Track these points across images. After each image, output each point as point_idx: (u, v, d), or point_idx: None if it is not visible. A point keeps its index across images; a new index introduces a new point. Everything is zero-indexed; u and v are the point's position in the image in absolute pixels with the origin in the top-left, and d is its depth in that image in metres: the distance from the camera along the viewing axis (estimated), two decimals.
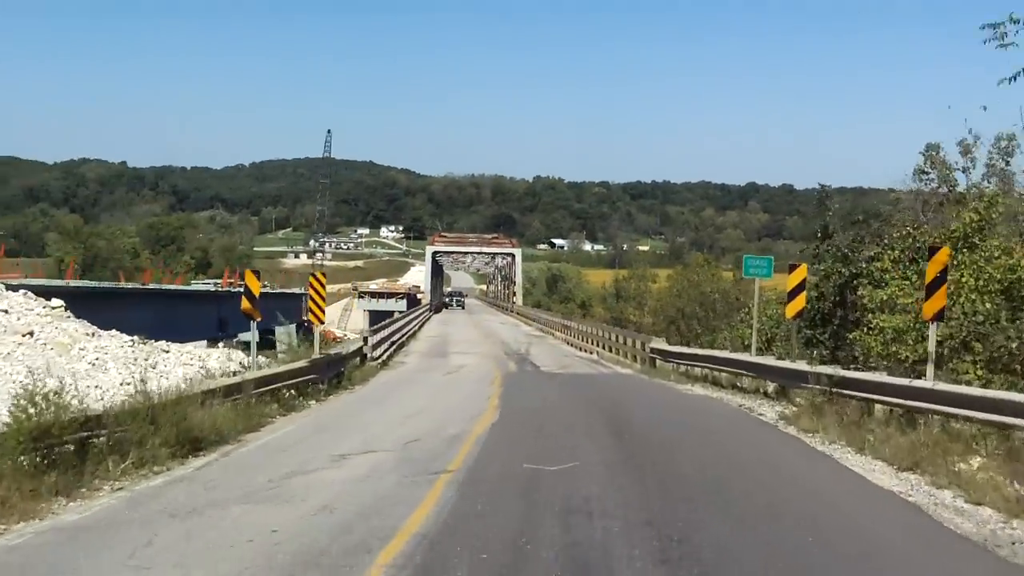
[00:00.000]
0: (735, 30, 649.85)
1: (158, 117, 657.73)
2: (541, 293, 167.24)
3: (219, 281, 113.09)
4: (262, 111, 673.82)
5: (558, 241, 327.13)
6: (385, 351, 38.21)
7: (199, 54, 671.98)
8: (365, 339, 35.59)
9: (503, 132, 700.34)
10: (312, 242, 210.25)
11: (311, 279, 28.45)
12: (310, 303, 29.15)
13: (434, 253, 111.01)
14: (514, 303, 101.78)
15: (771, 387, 23.53)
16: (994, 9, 26.28)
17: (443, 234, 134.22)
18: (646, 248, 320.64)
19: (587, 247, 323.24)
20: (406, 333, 50.97)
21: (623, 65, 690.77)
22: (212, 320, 75.68)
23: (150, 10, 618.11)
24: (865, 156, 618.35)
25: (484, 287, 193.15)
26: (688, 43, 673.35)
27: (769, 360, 24.62)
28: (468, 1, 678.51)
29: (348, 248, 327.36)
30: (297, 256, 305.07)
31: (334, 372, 26.05)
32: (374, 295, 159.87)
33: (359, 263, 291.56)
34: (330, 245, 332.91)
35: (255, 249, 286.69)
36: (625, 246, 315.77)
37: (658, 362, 33.36)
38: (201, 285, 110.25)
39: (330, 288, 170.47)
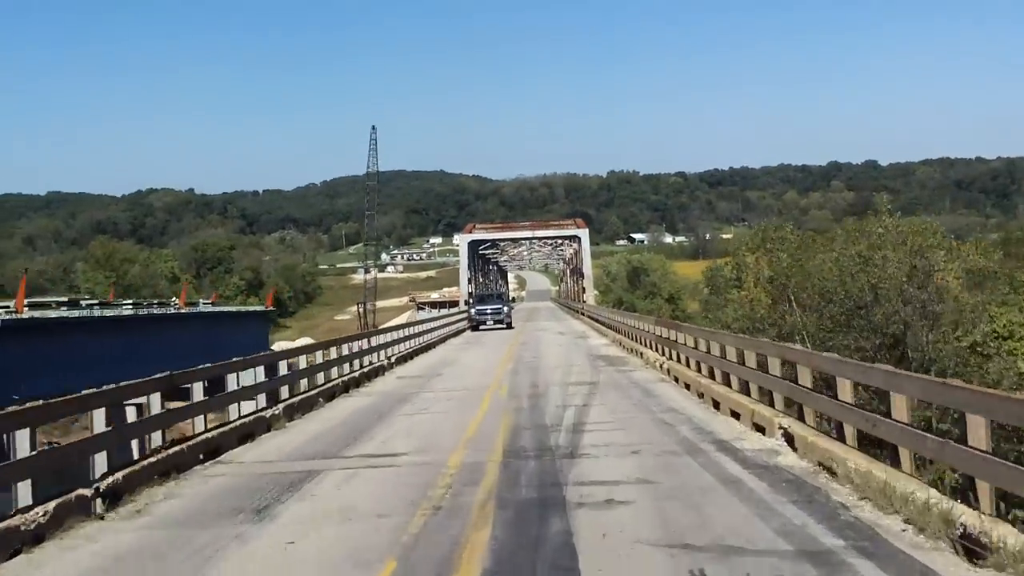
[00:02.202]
0: (803, 5, 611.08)
1: (227, 144, 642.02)
2: (621, 289, 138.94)
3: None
4: (331, 127, 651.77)
5: (637, 235, 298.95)
6: None
7: (263, 76, 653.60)
8: None
9: (574, 129, 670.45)
10: (364, 250, 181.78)
11: None
12: None
13: (472, 244, 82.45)
14: (584, 302, 73.94)
15: None
16: None
17: (482, 224, 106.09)
18: (730, 236, 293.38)
19: (668, 239, 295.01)
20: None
21: (693, 50, 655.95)
22: None
23: (202, 30, 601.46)
24: (952, 126, 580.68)
25: (558, 288, 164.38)
26: (754, 22, 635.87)
27: None
28: None
29: (420, 259, 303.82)
30: (368, 271, 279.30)
31: None
32: (434, 305, 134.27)
33: (431, 273, 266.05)
34: (402, 257, 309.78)
35: (320, 267, 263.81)
36: (708, 235, 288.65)
37: None
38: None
39: (394, 301, 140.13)
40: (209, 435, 15.76)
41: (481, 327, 56.94)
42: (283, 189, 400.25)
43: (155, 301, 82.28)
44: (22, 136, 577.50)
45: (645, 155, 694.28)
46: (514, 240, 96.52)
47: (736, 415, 16.69)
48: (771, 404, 15.59)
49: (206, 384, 16.63)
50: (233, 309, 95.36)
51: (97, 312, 60.84)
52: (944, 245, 35.50)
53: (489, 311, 58.62)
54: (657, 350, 28.54)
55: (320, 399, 22.27)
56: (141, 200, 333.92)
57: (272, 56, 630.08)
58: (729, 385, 18.67)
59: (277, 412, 19.07)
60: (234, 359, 18.54)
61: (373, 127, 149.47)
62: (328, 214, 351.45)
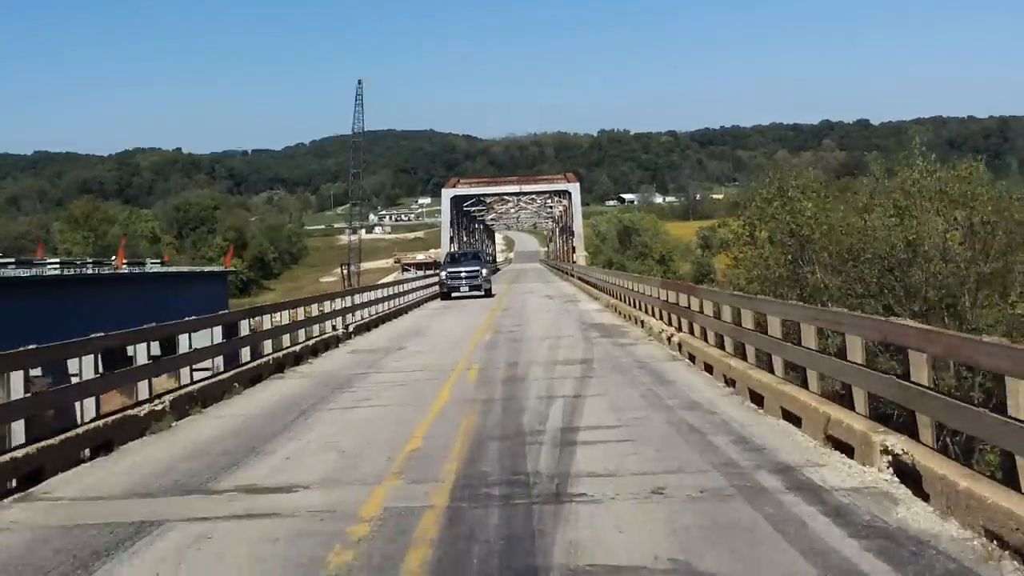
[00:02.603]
0: None
1: (215, 103, 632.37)
2: (612, 249, 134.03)
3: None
4: (320, 86, 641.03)
5: (627, 196, 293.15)
6: None
7: (253, 34, 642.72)
8: None
9: (565, 88, 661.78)
10: (349, 211, 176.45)
11: None
12: None
13: (456, 200, 76.22)
14: (574, 262, 68.63)
15: None
16: None
17: (467, 179, 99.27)
18: (720, 196, 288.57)
19: (658, 199, 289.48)
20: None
21: (684, 7, 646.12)
22: None
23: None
24: (945, 84, 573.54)
25: (547, 249, 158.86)
26: None
27: None
28: None
29: (409, 219, 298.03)
30: (355, 232, 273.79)
31: None
32: (419, 266, 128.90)
33: (419, 234, 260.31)
34: (390, 218, 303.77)
35: (307, 228, 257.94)
36: (698, 195, 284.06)
37: None
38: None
39: (380, 263, 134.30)
40: (29, 451, 10.59)
41: (453, 295, 46.69)
42: (272, 149, 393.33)
43: (88, 260, 75.31)
44: (8, 96, 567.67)
45: (636, 114, 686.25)
46: (501, 196, 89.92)
47: (793, 417, 11.57)
48: (849, 406, 10.45)
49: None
50: (185, 269, 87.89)
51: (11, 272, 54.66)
52: (992, 195, 30.34)
53: (464, 274, 47.54)
54: (662, 318, 23.38)
55: (236, 384, 17.06)
56: (128, 160, 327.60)
57: (261, 13, 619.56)
58: (772, 371, 13.57)
59: (161, 407, 13.88)
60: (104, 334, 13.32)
61: (359, 81, 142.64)
62: (317, 174, 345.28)
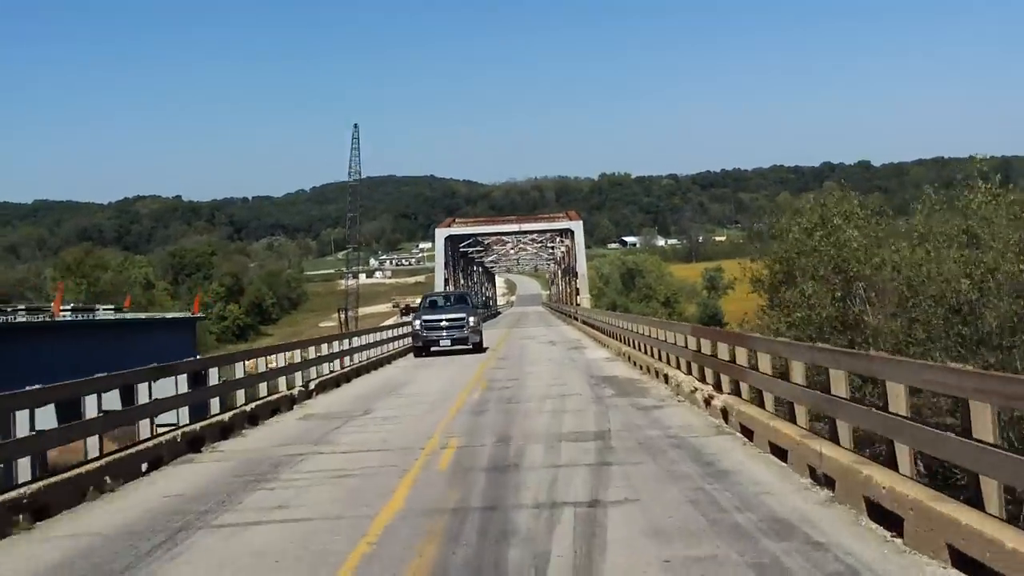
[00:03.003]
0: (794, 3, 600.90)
1: (216, 151, 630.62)
2: (615, 292, 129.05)
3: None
4: (320, 133, 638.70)
5: (629, 239, 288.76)
6: None
7: (254, 81, 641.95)
8: None
9: (564, 133, 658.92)
10: (347, 256, 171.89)
11: None
12: None
13: (451, 241, 70.97)
14: (578, 305, 63.55)
15: None
16: None
17: (463, 219, 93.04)
18: (723, 238, 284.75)
19: (660, 242, 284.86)
20: None
21: (684, 50, 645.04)
22: None
23: (189, 33, 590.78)
24: (946, 124, 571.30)
25: (548, 292, 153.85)
26: (745, 20, 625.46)
27: None
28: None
29: (409, 264, 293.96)
30: (355, 276, 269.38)
31: None
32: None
33: (420, 278, 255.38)
34: (390, 262, 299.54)
35: (307, 273, 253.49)
36: (700, 237, 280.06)
37: None
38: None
39: (380, 307, 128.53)
40: None
41: (432, 349, 35.65)
42: (272, 195, 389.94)
43: (21, 307, 67.38)
44: (9, 144, 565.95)
45: (637, 157, 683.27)
46: (499, 235, 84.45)
47: (974, 567, 6.52)
48: None
49: None
50: (143, 316, 77.45)
51: None
52: None
53: (445, 323, 36.07)
54: (691, 372, 18.37)
55: (108, 478, 11.96)
56: (128, 207, 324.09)
57: (260, 61, 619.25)
58: (895, 465, 8.53)
59: None
60: None
61: (355, 125, 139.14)
62: (317, 219, 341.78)
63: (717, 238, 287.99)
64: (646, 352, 25.25)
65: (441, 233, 69.44)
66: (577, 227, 68.54)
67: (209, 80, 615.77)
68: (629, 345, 29.42)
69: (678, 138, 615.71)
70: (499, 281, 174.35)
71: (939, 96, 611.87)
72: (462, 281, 73.59)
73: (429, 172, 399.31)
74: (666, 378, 20.45)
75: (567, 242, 73.34)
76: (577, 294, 66.88)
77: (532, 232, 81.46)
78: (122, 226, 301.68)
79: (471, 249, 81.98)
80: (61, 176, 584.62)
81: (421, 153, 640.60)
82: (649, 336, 25.03)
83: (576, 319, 58.63)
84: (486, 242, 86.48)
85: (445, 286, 65.15)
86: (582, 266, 66.21)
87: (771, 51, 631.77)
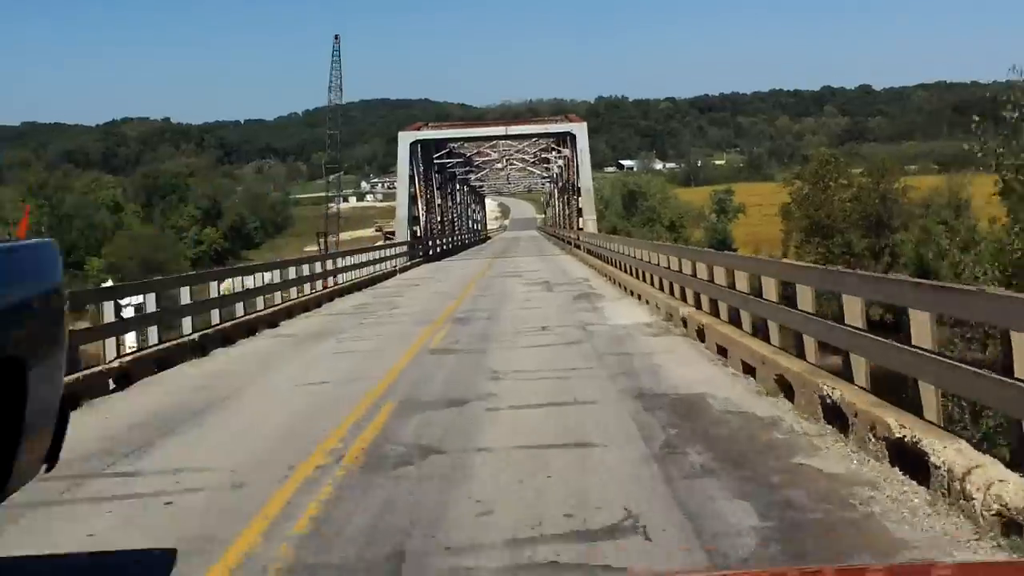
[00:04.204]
0: None
1: (207, 73, 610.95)
2: (616, 215, 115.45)
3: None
4: (314, 55, 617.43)
5: (626, 162, 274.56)
6: None
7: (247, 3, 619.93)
8: None
9: (561, 54, 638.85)
10: (327, 178, 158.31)
11: None
12: None
13: (419, 148, 55.26)
14: (580, 228, 50.13)
15: None
16: None
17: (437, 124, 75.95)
18: (722, 162, 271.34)
19: (658, 166, 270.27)
20: None
21: None
22: None
23: None
24: (950, 48, 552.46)
25: (544, 215, 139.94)
26: None
27: None
28: None
29: None
30: (345, 199, 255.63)
31: None
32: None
33: None
34: (381, 185, 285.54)
35: (296, 196, 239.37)
36: (700, 162, 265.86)
37: None
38: None
39: (367, 231, 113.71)
40: None
41: None
42: (265, 119, 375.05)
43: None
44: None
45: (634, 80, 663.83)
46: (482, 143, 68.47)
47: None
48: None
49: None
50: None
51: None
52: None
53: None
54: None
55: None
56: (115, 130, 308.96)
57: None
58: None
59: None
60: None
61: (336, 36, 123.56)
62: (309, 143, 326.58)
63: (716, 162, 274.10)
64: (711, 311, 12.27)
65: (405, 138, 53.45)
66: (580, 131, 52.55)
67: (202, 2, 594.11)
68: (680, 297, 16.43)
69: (676, 61, 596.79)
70: (491, 204, 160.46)
71: (941, 20, 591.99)
72: (439, 202, 59.56)
73: (423, 95, 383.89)
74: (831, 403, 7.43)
75: (566, 152, 58.89)
76: (579, 215, 52.92)
77: (524, 139, 65.90)
78: (108, 148, 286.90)
79: (452, 161, 66.12)
80: (51, 98, 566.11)
81: (415, 76, 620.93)
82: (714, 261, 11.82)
83: (579, 247, 45.49)
84: (469, 155, 71.43)
85: (411, 206, 51.00)
86: (587, 179, 51.12)
87: None
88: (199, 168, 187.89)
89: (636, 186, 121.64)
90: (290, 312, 21.25)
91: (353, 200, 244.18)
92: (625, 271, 25.75)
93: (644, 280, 21.86)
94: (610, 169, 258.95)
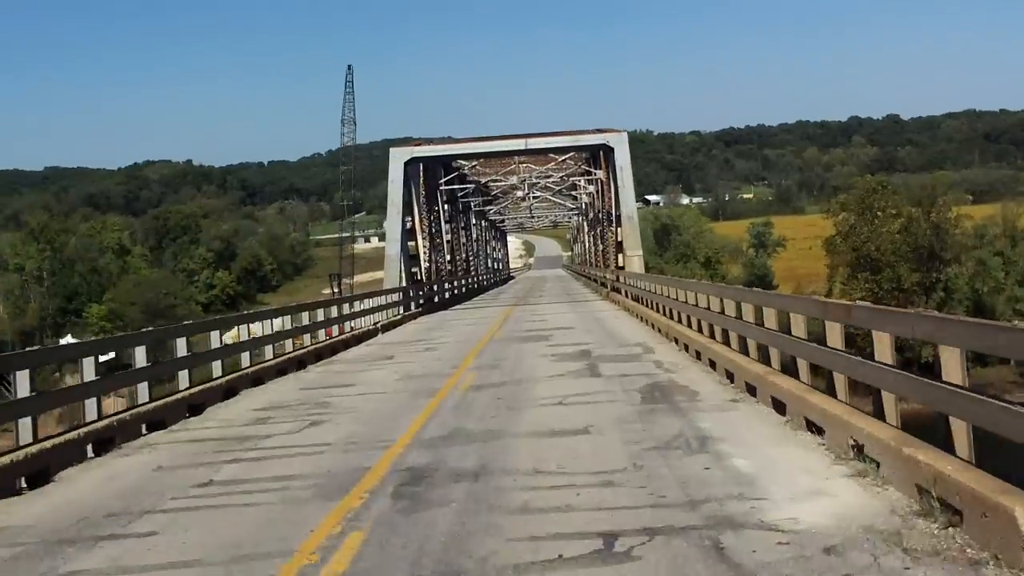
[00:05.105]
0: None
1: (229, 114, 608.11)
2: (648, 251, 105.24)
3: None
4: (336, 96, 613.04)
5: (652, 197, 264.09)
6: None
7: (268, 41, 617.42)
8: None
9: (584, 89, 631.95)
10: (342, 218, 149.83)
11: None
12: None
13: (416, 168, 43.74)
14: (620, 268, 39.97)
15: None
16: None
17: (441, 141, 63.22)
18: (750, 196, 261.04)
19: (684, 200, 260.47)
20: None
21: (706, 3, 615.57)
22: None
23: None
24: (978, 76, 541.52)
25: (571, 253, 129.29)
26: None
27: None
28: None
29: None
30: (367, 240, 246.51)
31: None
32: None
33: None
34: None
35: (317, 237, 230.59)
36: (727, 195, 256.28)
37: None
38: None
39: (382, 273, 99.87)
40: None
41: None
42: (288, 160, 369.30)
43: None
44: (20, 110, 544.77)
45: (659, 114, 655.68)
46: (495, 162, 55.48)
47: None
48: None
49: None
50: None
51: None
52: None
53: None
54: None
55: None
56: (137, 173, 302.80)
57: (276, 24, 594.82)
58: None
59: None
60: None
61: (349, 67, 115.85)
62: (331, 183, 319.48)
63: (744, 195, 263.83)
64: None
65: (398, 156, 43.05)
66: (619, 142, 40.59)
67: (225, 44, 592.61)
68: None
69: (701, 94, 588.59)
70: (515, 242, 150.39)
71: (968, 48, 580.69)
72: (447, 236, 49.18)
73: (446, 133, 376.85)
74: None
75: (599, 174, 48.45)
76: (619, 251, 42.10)
77: (547, 159, 53.80)
78: (130, 192, 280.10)
79: (464, 188, 54.40)
80: (73, 143, 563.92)
81: (437, 114, 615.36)
82: None
83: (617, 290, 35.30)
84: (485, 182, 59.54)
85: (406, 239, 40.07)
86: (629, 204, 39.50)
87: (794, 4, 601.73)
88: (215, 209, 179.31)
89: (669, 219, 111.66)
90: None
91: (375, 240, 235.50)
92: (709, 335, 15.49)
93: (771, 366, 11.55)
94: (636, 204, 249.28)
